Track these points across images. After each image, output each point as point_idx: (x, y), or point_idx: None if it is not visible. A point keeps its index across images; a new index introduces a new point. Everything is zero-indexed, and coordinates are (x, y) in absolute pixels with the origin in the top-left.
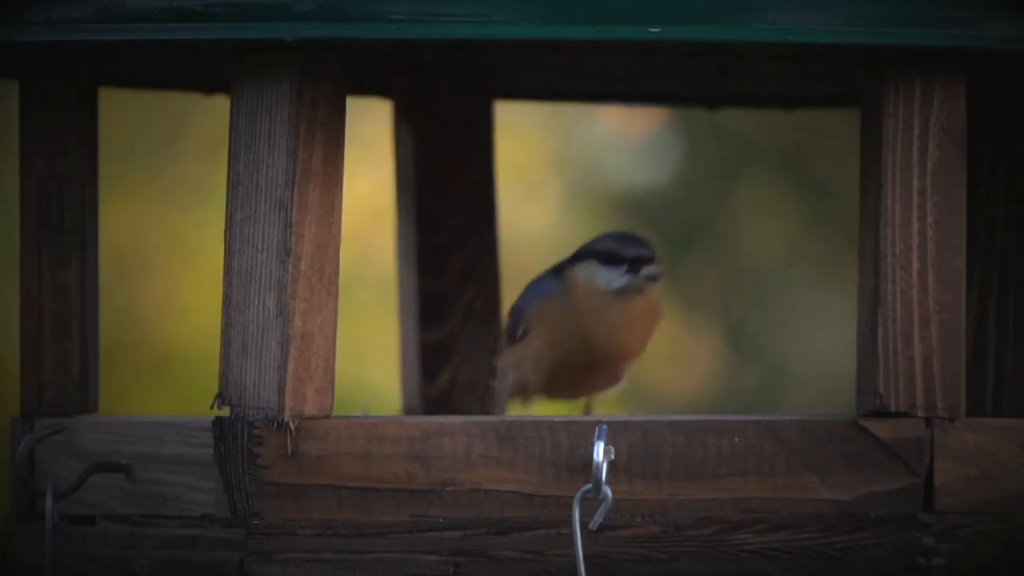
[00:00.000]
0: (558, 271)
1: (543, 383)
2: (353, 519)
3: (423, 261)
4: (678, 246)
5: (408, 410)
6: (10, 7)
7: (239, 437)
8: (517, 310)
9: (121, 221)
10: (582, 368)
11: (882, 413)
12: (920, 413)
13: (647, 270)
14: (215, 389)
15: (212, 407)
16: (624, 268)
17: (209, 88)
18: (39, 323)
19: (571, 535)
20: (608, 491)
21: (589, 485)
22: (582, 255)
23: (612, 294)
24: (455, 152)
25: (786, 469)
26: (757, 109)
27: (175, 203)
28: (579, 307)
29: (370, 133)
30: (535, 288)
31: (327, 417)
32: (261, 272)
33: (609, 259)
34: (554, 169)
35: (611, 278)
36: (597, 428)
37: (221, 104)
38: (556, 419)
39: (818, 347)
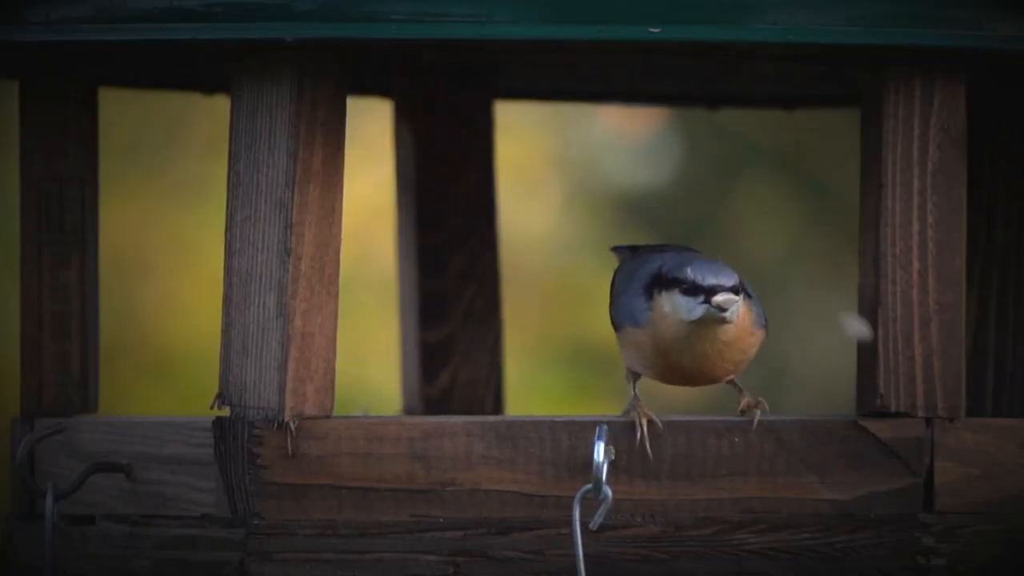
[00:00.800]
0: (649, 287)
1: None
2: (353, 519)
3: (423, 261)
4: None
5: (408, 410)
6: (10, 7)
7: (239, 437)
8: (614, 313)
9: (121, 221)
10: (678, 379)
11: (882, 413)
12: (920, 413)
13: (716, 299)
14: (215, 389)
15: (212, 407)
16: (701, 299)
17: (209, 88)
18: (39, 323)
19: (571, 535)
20: (608, 491)
21: (589, 485)
22: (670, 282)
23: (692, 324)
24: (455, 152)
25: (786, 469)
26: (757, 109)
27: (175, 203)
28: (663, 338)
29: (370, 133)
30: (628, 304)
31: (327, 417)
32: (261, 272)
33: (688, 290)
34: (554, 169)
35: (690, 308)
36: (597, 428)
37: (221, 104)
38: (556, 419)
39: (818, 347)
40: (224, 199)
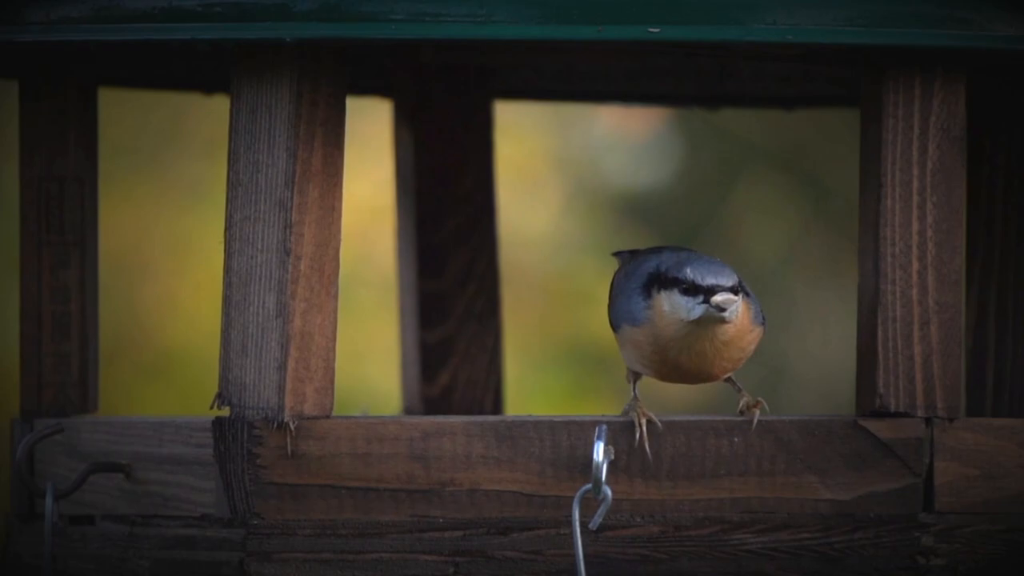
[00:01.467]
0: (647, 286)
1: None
2: (353, 519)
3: (423, 261)
4: None
5: (408, 410)
6: (10, 7)
7: (239, 437)
8: (612, 314)
9: (121, 221)
10: (676, 377)
11: (882, 413)
12: (920, 413)
13: (715, 299)
14: (215, 389)
15: (212, 407)
16: (700, 298)
17: (209, 88)
18: (39, 323)
19: (571, 535)
20: (608, 491)
21: (589, 485)
22: (669, 282)
23: (692, 324)
24: (455, 152)
25: (786, 469)
26: (757, 109)
27: (175, 203)
28: (662, 337)
29: (370, 133)
30: (626, 303)
31: (327, 417)
32: (261, 272)
33: (687, 289)
34: (554, 169)
35: (690, 308)
36: (597, 428)
37: (221, 104)
38: (556, 419)
39: (818, 347)
40: (224, 199)
